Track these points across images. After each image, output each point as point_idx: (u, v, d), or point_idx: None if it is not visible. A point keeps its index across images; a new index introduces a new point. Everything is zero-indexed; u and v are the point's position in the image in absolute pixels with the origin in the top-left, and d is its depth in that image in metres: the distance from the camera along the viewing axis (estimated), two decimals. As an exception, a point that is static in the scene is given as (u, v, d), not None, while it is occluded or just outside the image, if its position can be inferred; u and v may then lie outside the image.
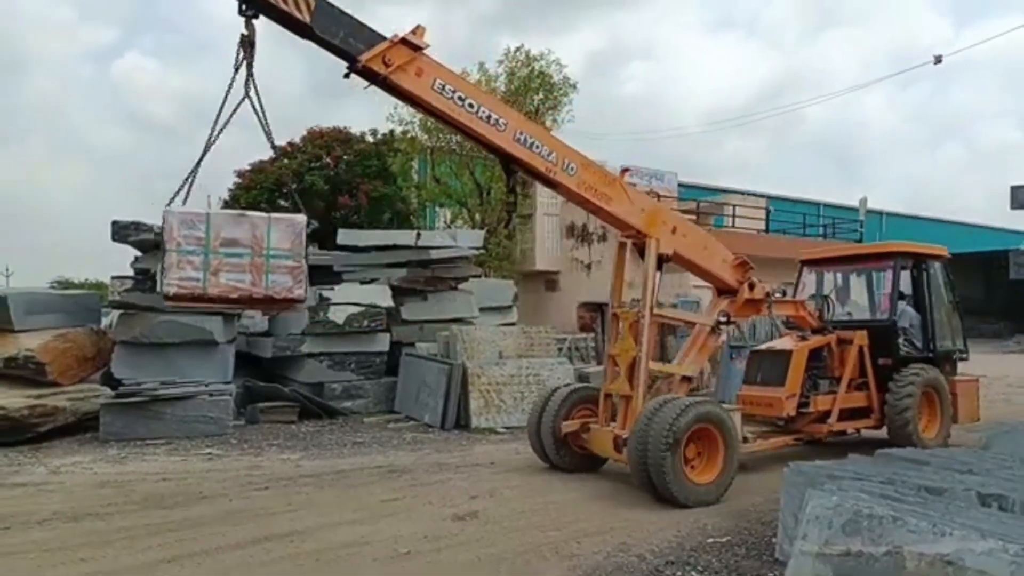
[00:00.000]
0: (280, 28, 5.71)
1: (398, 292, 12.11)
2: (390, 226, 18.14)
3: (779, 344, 8.51)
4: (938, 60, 26.04)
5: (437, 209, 25.69)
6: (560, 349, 13.57)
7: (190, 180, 5.62)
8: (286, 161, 18.59)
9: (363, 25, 5.73)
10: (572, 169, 6.38)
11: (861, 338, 8.17)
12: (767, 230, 27.61)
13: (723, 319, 7.30)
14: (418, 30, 5.83)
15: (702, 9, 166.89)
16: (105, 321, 11.78)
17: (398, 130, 22.11)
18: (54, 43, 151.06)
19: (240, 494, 6.46)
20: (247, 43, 5.59)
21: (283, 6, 5.46)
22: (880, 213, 39.19)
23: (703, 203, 27.19)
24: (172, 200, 5.61)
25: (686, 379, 7.08)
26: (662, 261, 6.76)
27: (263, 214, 5.98)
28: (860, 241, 25.76)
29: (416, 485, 6.78)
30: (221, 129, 5.61)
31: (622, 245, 7.16)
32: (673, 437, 5.78)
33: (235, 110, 5.61)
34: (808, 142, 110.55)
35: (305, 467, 7.60)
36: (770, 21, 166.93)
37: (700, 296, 14.29)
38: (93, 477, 7.13)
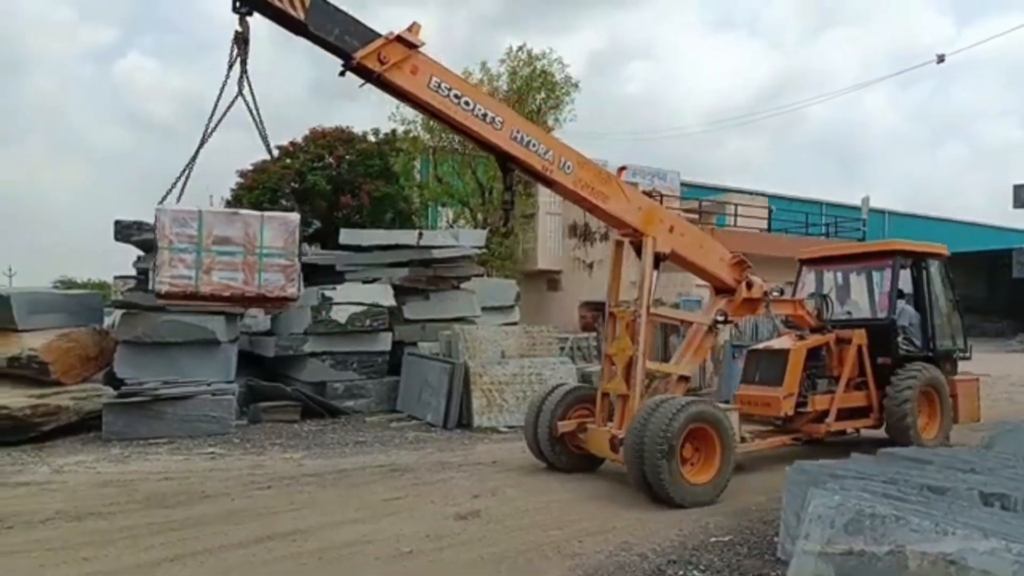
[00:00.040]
0: (277, 27, 5.71)
1: (400, 291, 12.11)
2: (392, 226, 18.12)
3: (777, 343, 8.49)
4: (941, 59, 26.01)
5: (439, 209, 25.70)
6: (562, 348, 13.57)
7: (183, 178, 5.62)
8: (288, 161, 18.60)
9: (358, 22, 5.71)
10: (568, 167, 6.37)
11: (860, 337, 8.15)
12: (769, 229, 27.56)
13: (721, 318, 7.29)
14: (414, 27, 5.81)
15: (702, 9, 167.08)
16: (108, 321, 11.79)
17: (400, 130, 22.11)
18: (54, 43, 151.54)
19: (242, 493, 6.47)
20: (241, 40, 5.58)
21: (278, 3, 5.44)
22: (883, 212, 39.17)
23: (705, 202, 27.17)
24: (165, 198, 5.61)
25: (683, 378, 7.07)
26: (659, 260, 6.75)
27: (256, 212, 5.98)
28: (862, 240, 25.71)
29: (418, 484, 6.78)
30: (214, 127, 5.61)
31: (619, 244, 7.14)
32: (668, 444, 5.76)
33: (228, 108, 5.61)
34: (809, 141, 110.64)
35: (307, 466, 7.61)
36: (770, 21, 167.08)
37: (703, 295, 14.26)
38: (96, 476, 7.14)
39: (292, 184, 17.93)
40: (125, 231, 10.73)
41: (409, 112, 21.48)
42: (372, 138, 20.43)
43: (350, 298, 11.40)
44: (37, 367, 9.14)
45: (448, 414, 9.97)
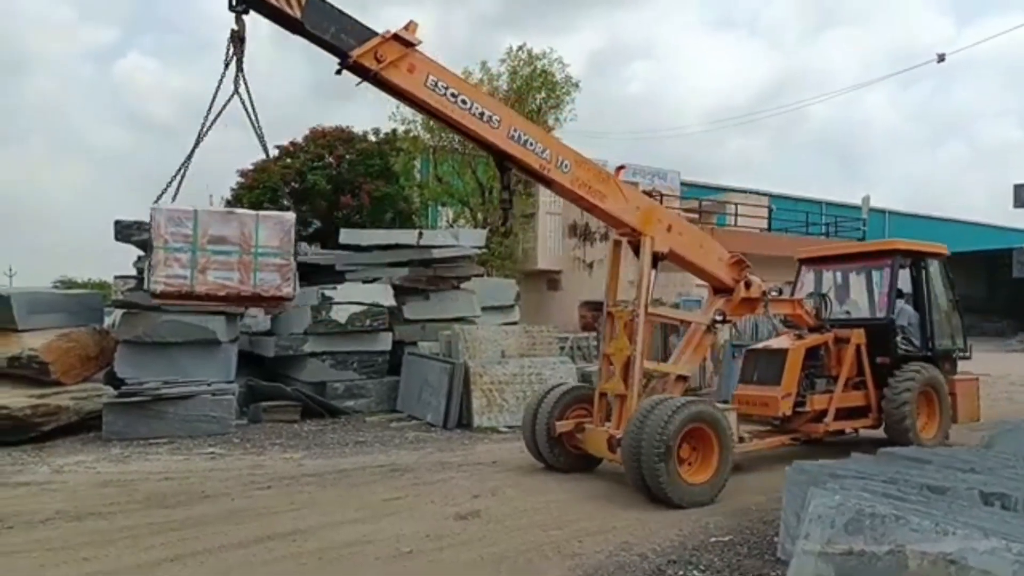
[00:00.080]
0: (275, 26, 5.70)
1: (400, 291, 12.11)
2: (392, 225, 18.13)
3: (775, 343, 8.47)
4: (941, 58, 26.02)
5: (439, 208, 25.68)
6: (562, 348, 13.57)
7: (179, 177, 5.62)
8: (288, 160, 18.60)
9: (355, 21, 5.71)
10: (566, 166, 6.35)
11: (859, 337, 8.14)
12: (769, 229, 27.58)
13: (719, 318, 7.29)
14: (410, 26, 5.80)
15: (703, 9, 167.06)
16: (108, 320, 11.79)
17: (400, 129, 22.09)
18: (54, 43, 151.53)
19: (243, 493, 6.47)
20: (237, 39, 5.58)
21: (274, 1, 5.44)
22: (883, 212, 39.16)
23: (705, 202, 27.16)
24: (160, 197, 5.60)
25: (681, 378, 7.05)
26: (657, 259, 6.74)
27: (251, 211, 5.97)
28: (863, 240, 25.70)
29: (418, 484, 6.78)
30: (210, 126, 5.61)
31: (617, 243, 7.12)
32: (665, 444, 5.76)
33: (224, 106, 5.60)
34: (810, 141, 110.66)
35: (307, 466, 7.61)
36: (770, 21, 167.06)
37: (702, 295, 14.25)
38: (96, 476, 7.14)
39: (292, 184, 17.93)
40: (125, 231, 10.73)
41: (409, 112, 21.47)
42: (372, 138, 20.42)
43: (350, 298, 11.40)
44: (37, 367, 9.14)
45: (448, 414, 9.97)
